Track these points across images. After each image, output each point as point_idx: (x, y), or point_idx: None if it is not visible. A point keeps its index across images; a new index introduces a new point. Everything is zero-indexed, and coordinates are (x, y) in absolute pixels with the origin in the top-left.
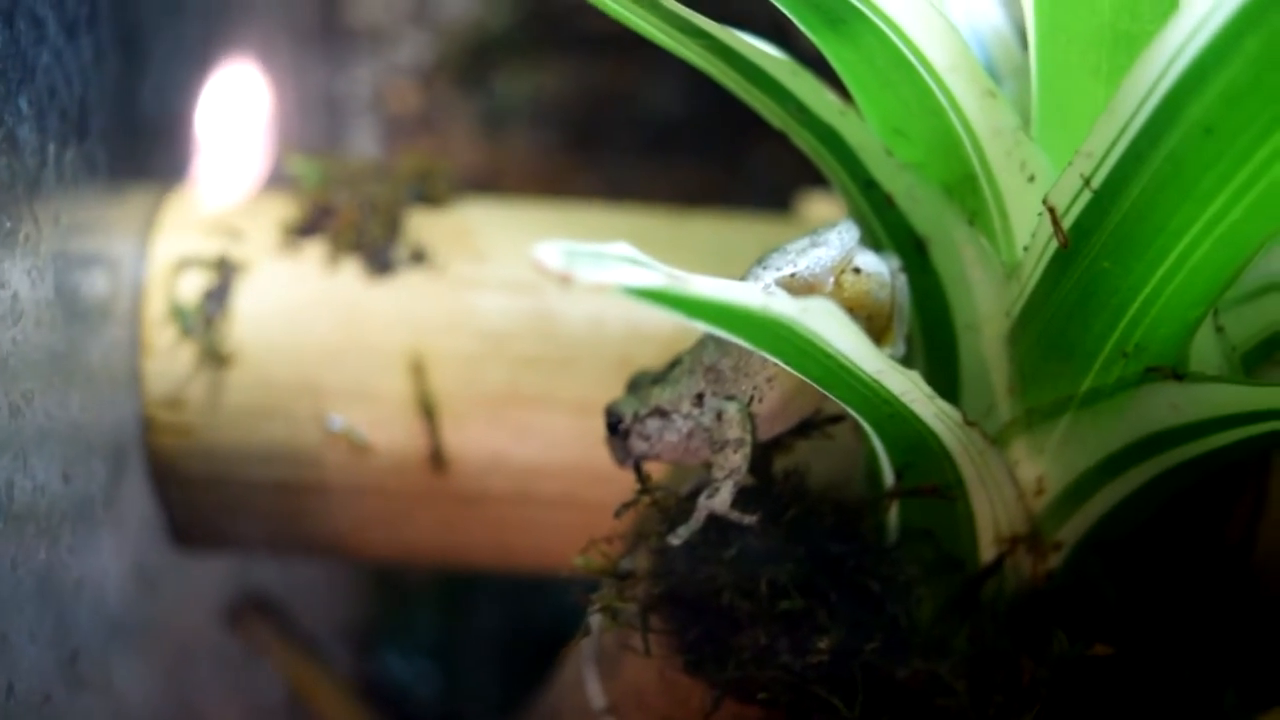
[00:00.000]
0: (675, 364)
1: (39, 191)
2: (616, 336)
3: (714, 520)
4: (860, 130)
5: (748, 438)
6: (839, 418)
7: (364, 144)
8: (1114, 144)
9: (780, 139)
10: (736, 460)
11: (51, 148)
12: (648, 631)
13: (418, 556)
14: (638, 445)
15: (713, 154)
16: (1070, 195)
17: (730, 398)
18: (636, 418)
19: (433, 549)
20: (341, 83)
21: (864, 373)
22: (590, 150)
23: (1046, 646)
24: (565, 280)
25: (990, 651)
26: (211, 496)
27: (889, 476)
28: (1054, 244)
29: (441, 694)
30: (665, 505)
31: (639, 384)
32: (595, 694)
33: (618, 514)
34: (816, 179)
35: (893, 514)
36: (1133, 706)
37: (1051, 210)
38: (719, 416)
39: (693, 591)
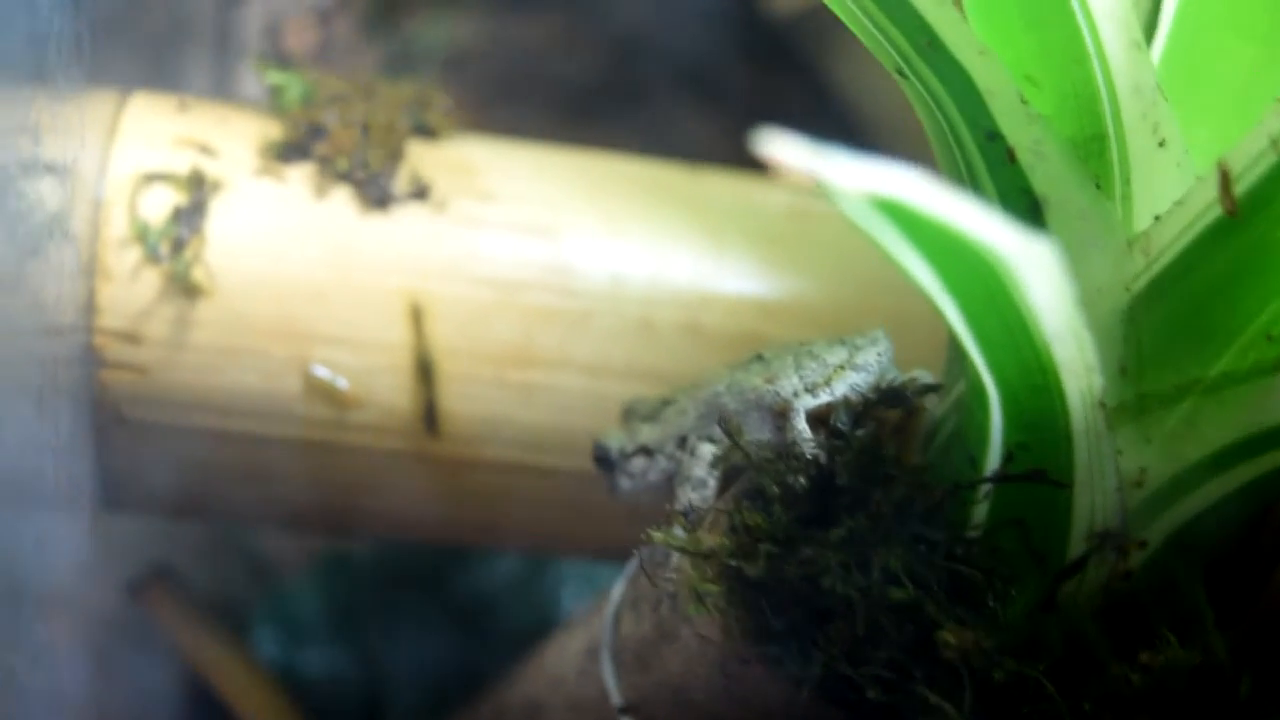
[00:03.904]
0: (669, 402)
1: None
2: (637, 296)
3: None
4: (996, 74)
5: (711, 482)
6: (933, 387)
7: (250, 83)
8: None
9: (700, 112)
10: (693, 498)
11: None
12: (735, 618)
13: (391, 527)
14: (623, 482)
15: (631, 122)
16: (1249, 158)
17: (709, 438)
18: (623, 454)
19: (410, 520)
20: (229, 13)
21: (1041, 333)
22: (500, 108)
23: (1134, 650)
24: (807, 178)
25: (1083, 654)
26: (161, 448)
27: (993, 459)
28: (1209, 214)
29: (350, 680)
30: (762, 466)
31: (631, 415)
32: (612, 690)
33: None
34: (737, 155)
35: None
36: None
37: (1225, 173)
38: (692, 452)
39: (787, 574)
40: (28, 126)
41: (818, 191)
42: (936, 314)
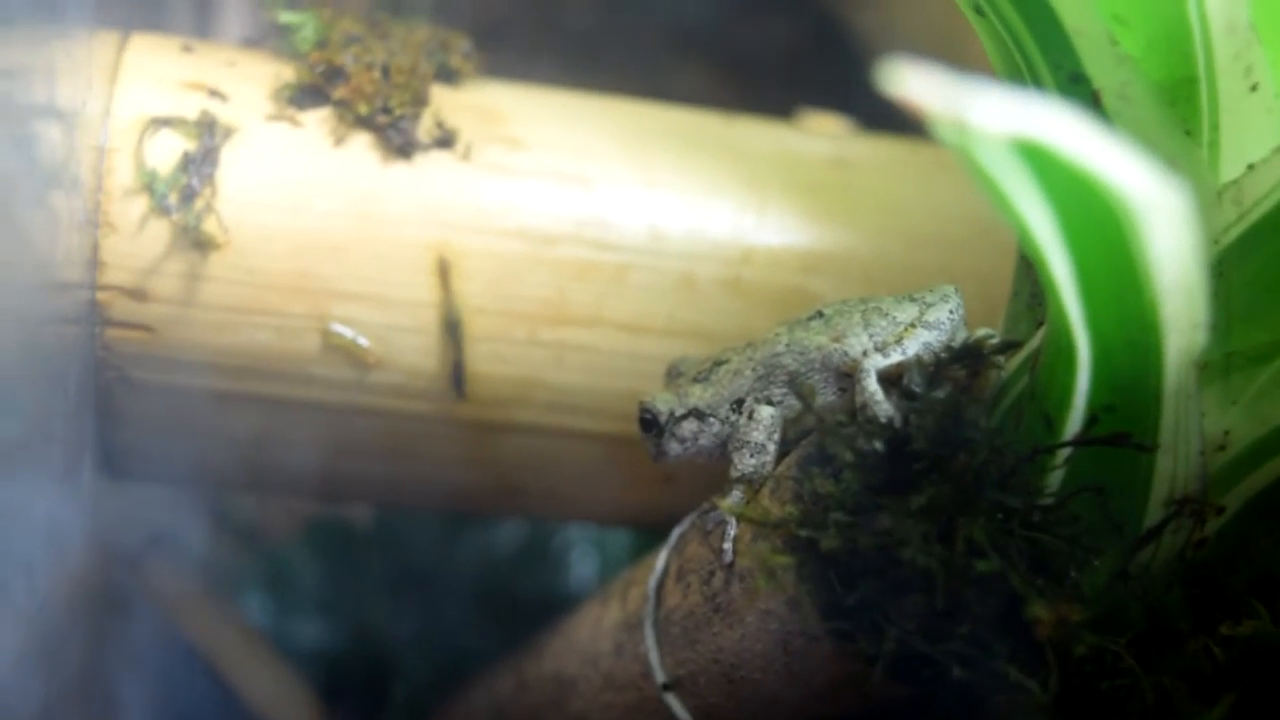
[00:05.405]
0: (720, 362)
1: None
2: (677, 249)
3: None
4: (1084, 12)
5: (770, 446)
6: (1010, 345)
7: (233, 23)
8: None
9: (704, 63)
10: (751, 465)
11: None
12: (809, 594)
13: (411, 496)
14: (672, 446)
15: (631, 71)
16: None
17: (768, 401)
18: (673, 417)
19: (432, 488)
20: None
21: (1153, 286)
22: (497, 53)
23: (1210, 620)
24: (938, 117)
25: (1162, 626)
26: (169, 412)
27: (1074, 422)
28: None
29: (349, 650)
30: (833, 431)
31: (678, 376)
32: (655, 666)
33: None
34: (745, 103)
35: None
36: None
37: None
38: (750, 415)
39: (861, 545)
40: (43, 68)
41: (856, 137)
42: (986, 269)
